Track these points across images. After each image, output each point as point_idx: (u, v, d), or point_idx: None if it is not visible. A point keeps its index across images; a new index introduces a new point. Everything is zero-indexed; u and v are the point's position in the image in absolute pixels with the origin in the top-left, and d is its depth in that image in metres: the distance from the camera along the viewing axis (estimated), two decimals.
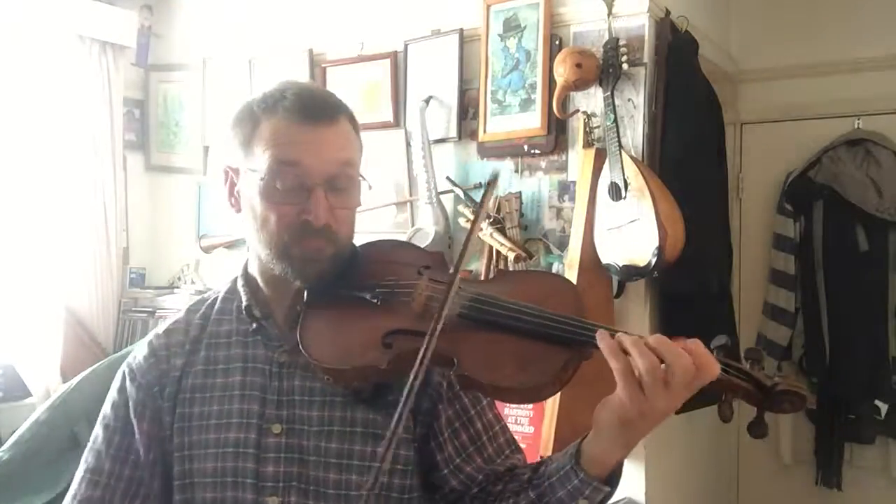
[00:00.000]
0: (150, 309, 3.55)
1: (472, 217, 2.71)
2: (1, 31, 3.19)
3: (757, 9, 3.30)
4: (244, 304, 1.20)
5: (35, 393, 3.25)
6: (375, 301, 1.10)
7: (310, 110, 1.10)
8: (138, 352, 1.23)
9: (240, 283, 1.24)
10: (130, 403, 1.19)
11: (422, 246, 2.68)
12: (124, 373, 1.22)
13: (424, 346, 0.94)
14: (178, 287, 3.61)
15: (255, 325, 1.19)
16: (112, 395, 1.22)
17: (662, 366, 0.92)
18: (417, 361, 0.93)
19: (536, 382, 0.98)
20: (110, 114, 3.52)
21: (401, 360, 1.01)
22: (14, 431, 2.88)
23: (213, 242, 3.51)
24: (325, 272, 1.11)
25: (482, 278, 1.14)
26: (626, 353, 0.93)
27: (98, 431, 1.20)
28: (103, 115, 3.49)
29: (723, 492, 3.36)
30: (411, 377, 0.93)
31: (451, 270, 1.02)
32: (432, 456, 1.15)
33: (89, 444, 1.21)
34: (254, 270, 1.22)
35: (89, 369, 3.08)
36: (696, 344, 0.93)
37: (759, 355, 0.98)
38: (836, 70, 3.13)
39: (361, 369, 1.03)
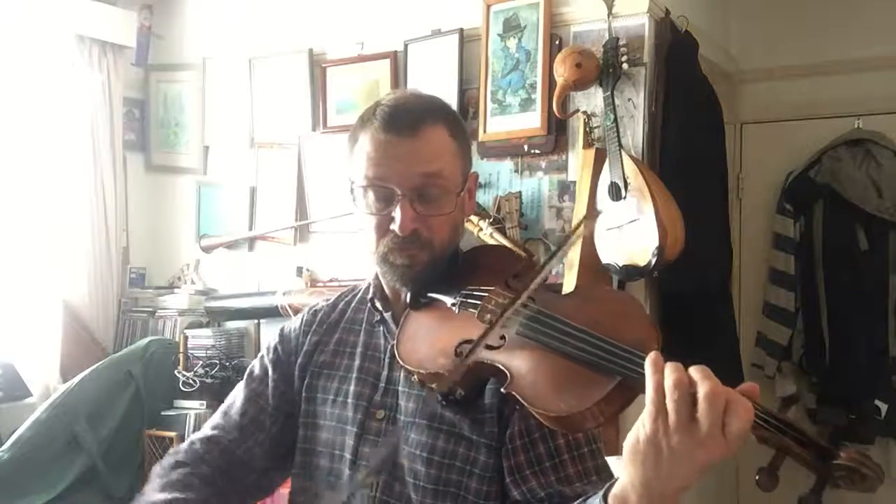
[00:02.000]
0: (150, 309, 3.55)
1: (471, 217, 2.71)
2: (0, 31, 3.19)
3: (757, 9, 3.30)
4: (370, 296, 1.30)
5: (35, 393, 3.25)
6: (455, 308, 1.12)
7: (394, 124, 1.14)
8: (293, 321, 1.38)
9: (373, 276, 1.31)
10: (271, 361, 1.34)
11: None
12: (278, 335, 1.37)
13: (463, 357, 0.96)
14: (178, 287, 3.61)
15: (378, 317, 1.28)
16: (262, 351, 1.37)
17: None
18: (454, 368, 0.95)
19: (571, 411, 0.90)
20: (110, 114, 3.52)
21: (468, 369, 1.02)
22: (14, 431, 2.88)
23: (213, 242, 3.51)
24: (422, 278, 1.17)
25: (563, 291, 1.10)
26: (661, 371, 0.83)
27: (244, 378, 1.36)
28: (103, 115, 3.49)
29: (723, 492, 3.35)
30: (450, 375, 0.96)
31: (521, 290, 1.01)
32: (501, 463, 1.15)
33: (235, 388, 1.37)
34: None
35: (89, 369, 3.08)
36: (747, 386, 0.83)
37: (794, 401, 0.84)
38: (836, 70, 3.13)
39: (433, 376, 1.04)
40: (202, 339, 3.25)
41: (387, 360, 1.24)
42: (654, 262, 2.31)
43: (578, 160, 2.59)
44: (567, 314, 0.99)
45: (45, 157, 3.33)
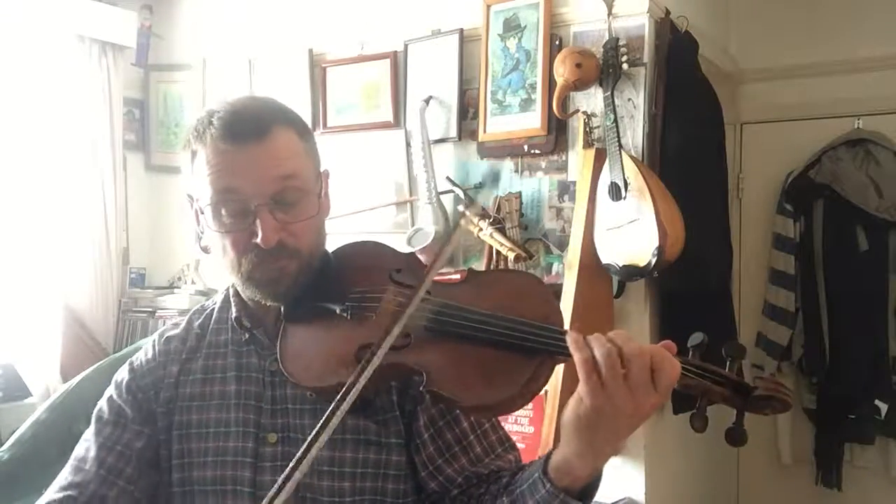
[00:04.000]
0: (150, 309, 3.55)
1: (471, 217, 2.71)
2: (1, 31, 3.19)
3: (757, 9, 3.30)
4: (234, 315, 1.20)
5: (35, 393, 3.25)
6: (345, 315, 1.06)
7: (236, 132, 1.05)
8: (141, 353, 1.24)
9: (231, 293, 1.23)
10: (126, 401, 1.20)
11: (422, 246, 2.70)
12: (125, 370, 1.23)
13: (371, 363, 0.91)
14: (178, 287, 3.61)
15: (246, 335, 1.19)
16: (110, 390, 1.23)
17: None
18: (357, 374, 0.90)
19: (504, 396, 0.92)
20: (110, 114, 3.52)
21: (375, 374, 0.98)
22: (14, 431, 2.88)
23: None
24: (293, 289, 1.09)
25: (453, 280, 1.06)
26: (588, 346, 0.88)
27: (91, 424, 1.21)
28: (103, 115, 3.49)
29: (723, 492, 3.36)
30: (347, 385, 0.90)
31: (418, 288, 0.95)
32: (412, 459, 1.13)
33: (82, 437, 1.21)
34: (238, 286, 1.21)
35: (89, 369, 3.08)
36: (659, 345, 0.89)
37: (739, 352, 0.92)
38: (836, 70, 3.13)
39: (338, 387, 0.97)
40: None
41: (267, 380, 1.15)
42: (654, 262, 2.31)
43: (578, 160, 2.59)
44: (471, 302, 0.99)
45: (45, 157, 3.33)
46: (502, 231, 2.63)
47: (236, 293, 1.21)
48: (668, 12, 2.58)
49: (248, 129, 1.06)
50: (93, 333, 3.46)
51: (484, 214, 2.68)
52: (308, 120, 3.20)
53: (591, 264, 2.45)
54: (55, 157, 3.35)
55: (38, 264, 3.31)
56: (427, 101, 2.87)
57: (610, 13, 2.48)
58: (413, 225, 2.91)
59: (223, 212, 1.07)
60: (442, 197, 2.82)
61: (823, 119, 3.17)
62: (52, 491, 1.16)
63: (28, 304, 3.29)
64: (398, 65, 3.02)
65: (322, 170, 1.18)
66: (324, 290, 1.10)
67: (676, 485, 2.81)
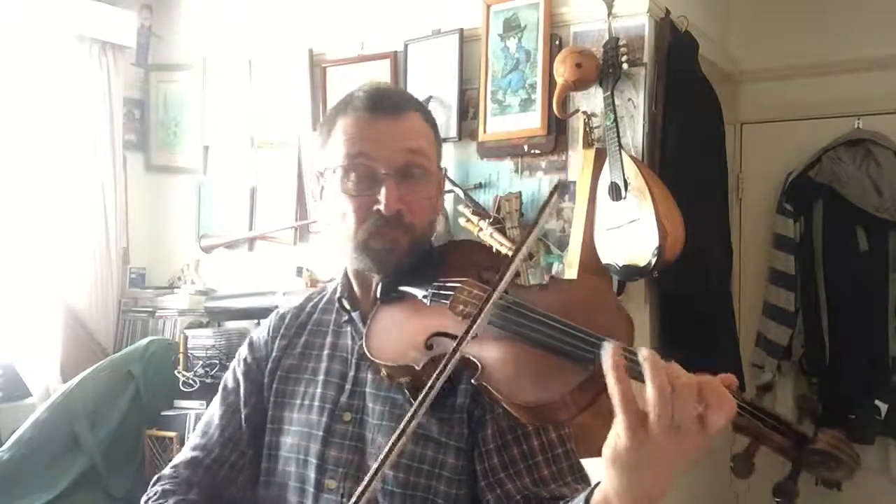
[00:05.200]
0: (150, 309, 3.55)
1: (471, 217, 2.71)
2: (1, 31, 3.19)
3: (757, 9, 3.30)
4: (338, 295, 1.27)
5: (35, 393, 3.25)
6: (426, 300, 1.10)
7: (376, 104, 1.15)
8: (259, 329, 1.35)
9: (341, 275, 1.29)
10: (243, 373, 1.31)
11: None
12: (245, 345, 1.35)
13: (449, 353, 0.92)
14: (178, 287, 3.61)
15: (346, 317, 1.26)
16: (234, 363, 1.34)
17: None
18: (440, 368, 0.91)
19: (546, 400, 0.89)
20: (110, 114, 3.52)
21: (437, 363, 0.99)
22: (14, 431, 2.88)
23: (213, 242, 3.51)
24: (402, 263, 1.14)
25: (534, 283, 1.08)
26: (635, 377, 0.78)
27: (218, 393, 1.33)
28: (103, 115, 3.49)
29: (723, 492, 3.35)
30: (430, 382, 0.91)
31: (494, 287, 0.96)
32: (474, 465, 1.13)
33: (211, 403, 1.33)
34: (347, 266, 1.27)
35: (89, 369, 3.08)
36: (717, 378, 0.78)
37: (814, 406, 0.81)
38: (836, 70, 3.13)
39: (403, 368, 1.02)
40: (202, 339, 3.25)
41: (354, 361, 1.21)
42: (654, 262, 2.31)
43: (578, 160, 2.59)
44: (540, 304, 0.98)
45: (45, 157, 3.33)
46: (502, 231, 2.63)
47: (345, 276, 1.27)
48: (668, 12, 2.58)
49: (388, 104, 1.16)
50: (93, 333, 3.46)
51: (483, 214, 2.68)
52: (308, 120, 3.22)
53: (591, 264, 2.45)
54: (55, 157, 3.35)
55: (39, 264, 3.31)
56: (427, 101, 2.87)
57: (610, 13, 2.48)
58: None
59: (352, 176, 1.13)
60: None
61: (823, 119, 3.17)
62: (185, 450, 1.29)
63: (28, 304, 3.29)
64: (398, 65, 3.02)
65: (442, 166, 1.25)
66: (417, 276, 1.14)
67: (676, 485, 2.80)
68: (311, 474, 1.16)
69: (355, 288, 1.25)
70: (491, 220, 2.64)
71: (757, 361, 3.21)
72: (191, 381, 3.15)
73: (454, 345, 0.94)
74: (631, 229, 2.35)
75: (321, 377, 1.23)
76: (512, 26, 2.75)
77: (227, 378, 1.32)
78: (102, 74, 3.48)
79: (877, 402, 2.96)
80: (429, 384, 0.91)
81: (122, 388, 3.10)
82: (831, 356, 3.04)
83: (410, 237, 1.14)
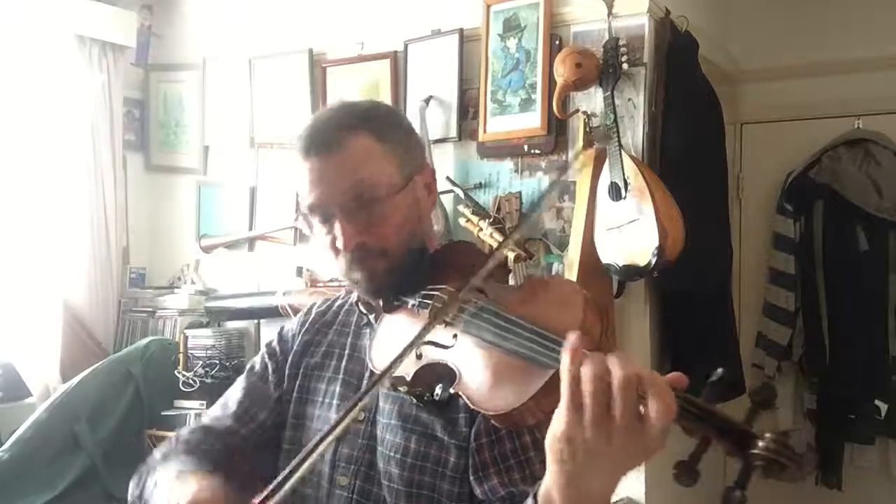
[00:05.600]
0: (150, 309, 3.55)
1: (471, 217, 2.71)
2: (1, 31, 3.19)
3: (757, 9, 3.30)
4: (355, 300, 1.32)
5: (35, 393, 3.25)
6: (415, 308, 1.12)
7: (309, 146, 1.15)
8: (290, 322, 1.39)
9: None
10: (271, 360, 1.34)
11: None
12: (276, 335, 1.38)
13: (396, 356, 0.94)
14: (178, 287, 3.60)
15: (365, 320, 1.29)
16: (263, 349, 1.37)
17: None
18: (384, 370, 0.94)
19: (511, 407, 0.89)
20: (110, 114, 3.52)
21: (425, 370, 1.02)
22: (14, 431, 2.88)
23: (213, 242, 3.51)
24: (387, 286, 1.16)
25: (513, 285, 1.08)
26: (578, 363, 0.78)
27: (244, 374, 1.36)
28: (103, 115, 3.49)
29: (722, 492, 3.35)
30: (373, 378, 0.95)
31: (465, 285, 0.98)
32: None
33: (236, 381, 1.37)
34: None
35: (89, 369, 3.08)
36: (667, 377, 0.77)
37: (768, 397, 0.77)
38: (836, 70, 3.13)
39: (398, 378, 1.04)
40: (202, 339, 3.25)
41: (368, 363, 1.23)
42: (654, 262, 2.31)
43: (578, 160, 2.59)
44: (511, 307, 0.97)
45: (45, 157, 3.32)
46: (502, 231, 2.63)
47: None
48: (668, 12, 2.58)
49: (318, 141, 1.15)
50: (93, 333, 3.46)
51: (483, 214, 2.68)
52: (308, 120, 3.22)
53: (591, 264, 2.45)
54: (55, 157, 3.35)
55: (38, 264, 3.31)
56: (427, 101, 2.87)
57: (610, 13, 2.48)
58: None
59: (313, 220, 1.17)
60: (442, 197, 2.82)
61: (823, 119, 3.17)
62: (205, 418, 1.33)
63: (28, 303, 3.29)
64: (398, 65, 3.02)
65: (426, 163, 1.24)
66: (414, 284, 1.15)
67: (676, 485, 2.80)
68: (326, 469, 1.20)
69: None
70: (491, 220, 2.63)
71: (757, 361, 3.21)
72: (191, 381, 3.15)
73: (437, 352, 0.97)
74: (631, 229, 2.35)
75: (341, 376, 1.26)
76: (512, 26, 2.75)
77: (255, 361, 1.37)
78: (102, 74, 3.48)
79: (877, 402, 2.96)
80: (363, 390, 0.96)
81: (122, 388, 3.10)
82: (831, 356, 3.04)
83: (386, 261, 1.14)
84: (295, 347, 1.33)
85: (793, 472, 0.74)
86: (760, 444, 0.74)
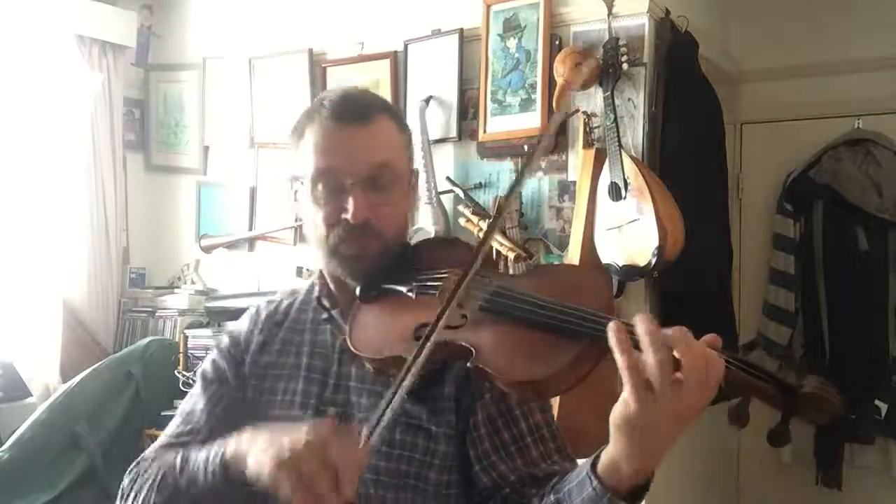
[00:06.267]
0: (150, 309, 3.55)
1: (471, 217, 2.71)
2: (1, 31, 3.19)
3: (757, 9, 3.30)
4: (316, 295, 1.29)
5: (35, 393, 3.25)
6: (411, 294, 1.13)
7: (343, 114, 1.15)
8: (238, 322, 1.36)
9: (317, 275, 1.31)
10: (226, 362, 1.29)
11: None
12: (225, 337, 1.34)
13: (426, 337, 0.96)
14: (178, 287, 3.61)
15: (325, 315, 1.26)
16: (213, 353, 1.33)
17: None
18: (417, 350, 0.95)
19: (544, 375, 0.94)
20: (110, 114, 3.52)
21: (430, 351, 1.02)
22: (14, 431, 2.88)
23: (213, 242, 3.51)
24: (373, 269, 1.16)
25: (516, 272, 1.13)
26: (637, 347, 0.85)
27: (197, 383, 1.31)
28: (103, 115, 3.49)
29: (723, 492, 3.36)
30: (408, 363, 0.95)
31: (470, 266, 1.01)
32: (466, 452, 1.16)
33: (188, 394, 1.30)
34: (322, 268, 1.29)
35: (89, 369, 3.08)
36: (703, 340, 0.86)
37: (755, 345, 0.92)
38: (836, 70, 3.13)
39: (394, 360, 1.04)
40: (202, 339, 3.25)
41: (336, 356, 1.22)
42: (654, 262, 2.31)
43: (578, 160, 2.59)
44: (529, 288, 1.03)
45: (45, 157, 3.33)
46: (502, 231, 2.63)
47: (321, 276, 1.29)
48: (668, 12, 2.58)
49: (355, 111, 1.15)
50: (93, 333, 3.46)
51: (483, 214, 2.68)
52: None
53: (590, 264, 2.45)
54: (55, 157, 3.35)
55: (39, 264, 3.31)
56: (427, 101, 2.87)
57: (610, 13, 2.48)
58: (413, 225, 2.90)
59: (320, 186, 1.14)
60: (442, 197, 2.82)
61: (823, 119, 3.17)
62: (164, 437, 1.25)
63: (28, 303, 3.29)
64: (398, 65, 3.02)
65: (414, 167, 1.25)
66: (398, 274, 1.16)
67: (676, 485, 2.81)
68: None
69: (332, 288, 1.26)
70: (491, 220, 2.64)
71: (757, 361, 3.20)
72: (191, 381, 3.14)
73: (442, 332, 0.98)
74: (631, 229, 2.35)
75: (302, 373, 1.23)
76: (512, 26, 2.75)
77: (206, 369, 1.30)
78: (102, 74, 3.48)
79: (877, 402, 2.96)
80: (414, 354, 0.95)
81: (122, 388, 3.10)
82: (831, 356, 3.04)
83: (380, 243, 1.15)
84: (252, 348, 1.29)
85: (835, 407, 0.85)
86: (807, 384, 0.86)
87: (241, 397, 1.26)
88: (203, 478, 1.08)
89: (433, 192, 2.79)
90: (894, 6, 3.05)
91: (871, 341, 2.97)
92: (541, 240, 2.71)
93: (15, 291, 3.27)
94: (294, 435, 0.93)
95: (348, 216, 1.12)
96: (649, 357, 0.83)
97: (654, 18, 2.56)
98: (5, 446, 2.81)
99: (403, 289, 1.14)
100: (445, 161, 2.88)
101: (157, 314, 3.52)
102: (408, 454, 1.13)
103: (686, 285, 2.47)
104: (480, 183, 2.82)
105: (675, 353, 0.83)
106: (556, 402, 2.31)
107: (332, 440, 0.92)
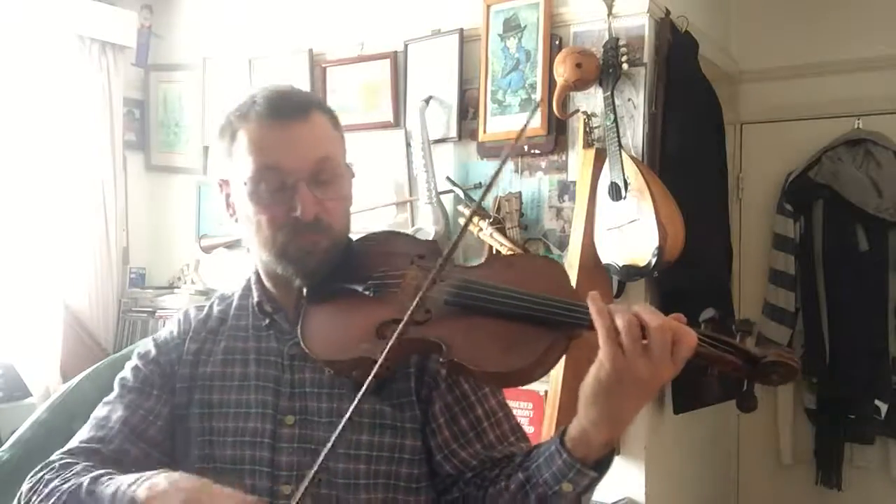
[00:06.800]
0: (150, 309, 3.55)
1: (473, 220, 2.72)
2: (1, 31, 3.19)
3: (757, 9, 3.30)
4: (255, 300, 1.24)
5: (35, 393, 3.25)
6: (368, 293, 1.11)
7: (280, 110, 1.12)
8: (165, 330, 1.29)
9: (252, 280, 1.27)
10: (151, 371, 1.23)
11: None
12: (149, 343, 1.28)
13: (396, 333, 0.96)
14: (178, 287, 3.61)
15: (267, 320, 1.23)
16: (134, 360, 1.26)
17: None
18: (387, 347, 0.95)
19: (521, 365, 0.96)
20: (110, 114, 3.52)
21: (394, 349, 1.01)
22: (14, 431, 2.88)
23: (213, 242, 3.51)
24: (323, 265, 1.13)
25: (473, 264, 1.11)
26: (610, 314, 0.93)
27: (115, 389, 1.24)
28: (103, 115, 3.49)
29: (723, 492, 3.36)
30: (380, 360, 0.94)
31: (441, 260, 1.02)
32: (427, 442, 1.16)
33: (102, 401, 1.24)
34: (261, 271, 1.25)
35: (89, 369, 3.06)
36: (675, 316, 0.94)
37: (749, 327, 0.97)
38: (836, 70, 3.13)
39: (357, 361, 1.02)
40: None
41: (286, 363, 1.18)
42: (654, 262, 2.31)
43: (578, 160, 2.59)
44: (490, 279, 1.05)
45: (45, 157, 3.33)
46: (502, 231, 2.63)
47: (258, 280, 1.25)
48: (668, 12, 2.58)
49: (293, 107, 1.12)
50: (93, 333, 3.46)
51: (483, 214, 2.68)
52: None
53: (591, 264, 2.45)
54: (55, 157, 3.35)
55: (39, 264, 3.31)
56: (427, 101, 2.87)
57: (610, 13, 2.48)
58: (413, 225, 2.91)
59: (263, 187, 1.11)
60: (442, 197, 2.82)
61: (823, 119, 3.17)
62: (74, 441, 1.21)
63: (28, 304, 3.29)
64: (398, 65, 3.02)
65: (349, 164, 1.23)
66: (347, 272, 1.14)
67: (676, 485, 2.81)
68: (264, 483, 1.13)
69: (273, 291, 1.22)
70: (491, 220, 2.64)
71: None
72: None
73: (412, 330, 0.99)
74: (631, 229, 2.35)
75: (252, 382, 1.19)
76: (512, 26, 2.75)
77: (126, 377, 1.24)
78: (102, 74, 3.48)
79: (877, 402, 2.96)
80: (382, 355, 0.95)
81: None
82: (831, 356, 3.04)
83: (329, 239, 1.13)
84: (184, 357, 1.23)
85: (793, 369, 0.94)
86: (771, 353, 0.94)
87: (165, 410, 1.20)
88: None
89: (433, 192, 2.79)
90: (894, 6, 3.05)
91: (871, 341, 2.97)
92: (541, 240, 2.71)
93: (15, 292, 3.27)
94: (216, 501, 0.90)
95: (297, 214, 1.09)
96: (620, 320, 0.91)
97: (654, 18, 2.56)
98: (5, 446, 2.81)
99: (359, 287, 1.12)
100: (445, 161, 2.88)
101: (157, 314, 3.52)
102: (376, 454, 1.13)
103: (686, 285, 2.47)
104: (480, 183, 2.82)
105: (644, 320, 0.92)
106: (556, 401, 2.31)
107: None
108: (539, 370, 0.98)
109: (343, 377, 1.10)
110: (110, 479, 1.05)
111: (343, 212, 1.17)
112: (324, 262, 1.13)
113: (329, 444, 0.91)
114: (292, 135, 1.11)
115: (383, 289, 1.10)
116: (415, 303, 0.97)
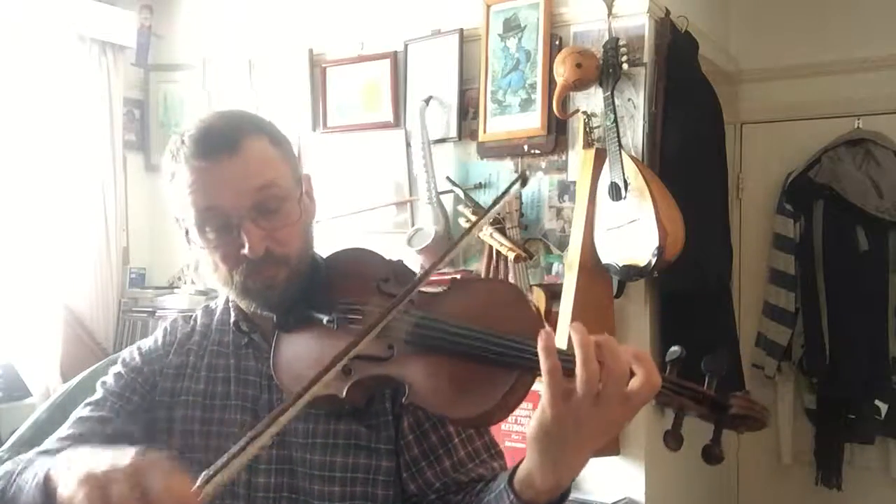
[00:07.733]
0: (150, 309, 3.55)
1: (471, 217, 2.72)
2: (1, 31, 3.19)
3: (757, 9, 3.30)
4: (233, 319, 1.23)
5: (35, 393, 3.25)
6: (332, 325, 1.08)
7: (207, 150, 1.07)
8: (150, 339, 1.28)
9: (230, 298, 1.24)
10: (133, 379, 1.22)
11: (422, 246, 2.70)
12: (133, 351, 1.27)
13: (326, 366, 0.92)
14: (178, 287, 3.60)
15: (246, 339, 1.21)
16: (117, 367, 1.26)
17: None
18: (323, 377, 0.92)
19: (480, 411, 0.91)
20: (110, 114, 3.52)
21: (361, 386, 1.00)
22: (14, 431, 2.88)
23: None
24: (286, 296, 1.11)
25: (437, 290, 1.07)
26: (555, 355, 0.84)
27: (97, 393, 1.23)
28: (103, 115, 3.49)
29: (723, 492, 3.36)
30: (307, 391, 0.91)
31: (401, 294, 0.97)
32: (398, 461, 1.14)
33: (84, 402, 1.23)
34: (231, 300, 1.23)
35: (89, 369, 3.06)
36: (637, 353, 0.85)
37: (719, 368, 0.89)
38: (836, 70, 3.13)
39: (324, 399, 0.99)
40: None
41: (264, 384, 1.17)
42: (654, 262, 2.31)
43: (578, 160, 2.59)
44: (450, 314, 1.00)
45: (45, 158, 3.32)
46: (502, 231, 2.63)
47: (234, 300, 1.22)
48: (668, 12, 2.58)
49: (219, 143, 1.07)
50: (93, 333, 3.46)
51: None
52: (308, 120, 3.22)
53: (591, 264, 2.45)
54: (55, 157, 3.35)
55: (39, 264, 3.31)
56: (427, 101, 2.87)
57: (610, 13, 2.48)
58: (413, 225, 2.91)
59: (207, 229, 1.08)
60: (442, 197, 2.82)
61: (823, 119, 3.17)
62: (50, 440, 1.18)
63: (28, 304, 3.29)
64: (398, 65, 3.02)
65: (304, 173, 1.19)
66: (314, 298, 1.11)
67: (676, 485, 2.81)
68: None
69: (248, 311, 1.20)
70: (491, 221, 2.63)
71: (757, 361, 3.21)
72: None
73: (372, 366, 0.97)
74: (631, 229, 2.35)
75: (232, 402, 1.18)
76: (512, 26, 2.75)
77: (109, 382, 1.24)
78: (102, 74, 3.48)
79: (877, 402, 2.96)
80: (317, 385, 0.91)
81: None
82: (831, 356, 3.04)
83: (287, 268, 1.10)
84: (165, 370, 1.22)
85: (762, 423, 0.88)
86: (734, 403, 0.88)
87: (143, 417, 1.20)
88: (26, 498, 1.00)
89: (433, 192, 2.79)
90: (894, 6, 3.05)
91: (871, 341, 2.98)
92: (541, 240, 2.71)
93: (15, 292, 3.27)
94: (116, 461, 0.86)
95: (246, 251, 1.05)
96: (578, 365, 0.81)
97: (654, 18, 2.56)
98: (5, 446, 2.80)
99: (324, 318, 1.09)
100: (445, 161, 2.88)
101: (157, 314, 3.52)
102: (350, 475, 1.11)
103: (686, 285, 2.47)
104: (480, 183, 2.82)
105: (606, 362, 0.82)
106: None
107: (158, 475, 0.84)
108: (499, 414, 0.92)
109: (316, 409, 1.08)
110: (35, 467, 1.03)
111: (297, 236, 1.12)
112: (286, 292, 1.10)
113: (246, 439, 0.87)
114: (224, 173, 1.06)
115: (346, 321, 1.07)
116: (353, 342, 0.93)
